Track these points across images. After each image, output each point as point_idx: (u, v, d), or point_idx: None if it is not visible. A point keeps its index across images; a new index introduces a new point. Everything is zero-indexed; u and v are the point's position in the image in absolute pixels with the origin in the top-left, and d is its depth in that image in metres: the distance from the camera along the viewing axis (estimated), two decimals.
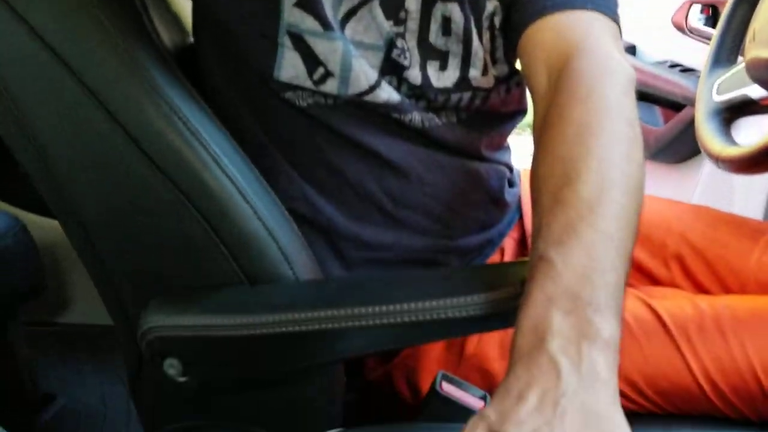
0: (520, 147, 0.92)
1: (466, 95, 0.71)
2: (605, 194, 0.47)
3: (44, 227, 1.40)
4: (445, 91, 0.70)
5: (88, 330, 1.52)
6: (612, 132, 0.52)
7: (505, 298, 0.53)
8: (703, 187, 1.47)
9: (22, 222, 1.18)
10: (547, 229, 0.47)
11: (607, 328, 0.40)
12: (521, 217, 0.86)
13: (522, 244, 0.84)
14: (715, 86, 0.90)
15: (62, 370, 1.41)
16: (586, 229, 0.45)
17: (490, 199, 0.78)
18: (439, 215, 0.74)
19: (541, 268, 0.44)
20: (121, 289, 0.65)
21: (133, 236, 0.62)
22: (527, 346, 0.40)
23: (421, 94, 0.69)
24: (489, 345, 0.71)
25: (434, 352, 0.73)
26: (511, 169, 0.84)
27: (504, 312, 0.52)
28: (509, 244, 0.83)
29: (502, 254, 0.83)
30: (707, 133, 0.85)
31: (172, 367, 0.60)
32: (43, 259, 1.28)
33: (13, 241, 1.12)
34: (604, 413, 0.36)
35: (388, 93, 0.67)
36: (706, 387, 0.63)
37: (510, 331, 0.70)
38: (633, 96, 0.56)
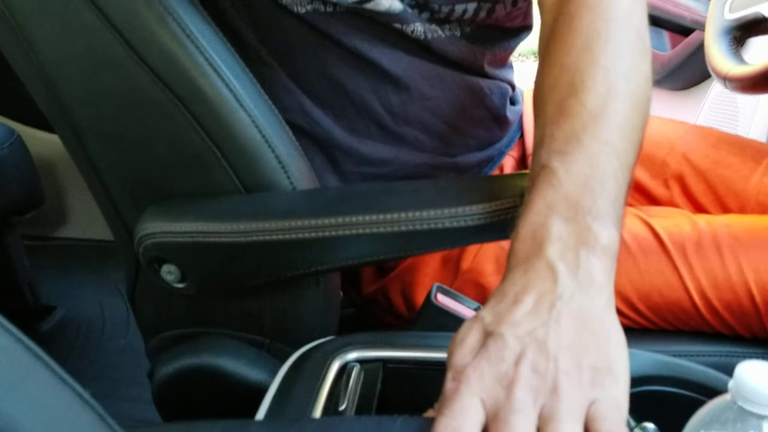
0: (522, 73, 0.90)
1: (471, 6, 0.69)
2: (610, 105, 0.47)
3: (42, 141, 1.39)
4: (449, 1, 0.67)
5: (86, 245, 1.53)
6: (620, 42, 0.50)
7: (503, 210, 0.52)
8: (707, 113, 1.46)
9: (18, 133, 1.17)
10: (551, 138, 0.46)
11: (606, 235, 0.40)
12: (522, 137, 0.85)
13: (522, 163, 0.84)
14: (728, 4, 0.87)
15: (61, 284, 1.43)
16: (590, 140, 0.45)
17: (491, 116, 0.77)
18: (439, 131, 0.73)
19: (543, 177, 0.44)
20: (118, 198, 0.65)
21: (126, 142, 0.61)
22: (525, 252, 0.40)
23: (424, 4, 0.67)
24: (485, 260, 0.71)
25: (430, 267, 0.73)
26: (513, 87, 0.82)
27: (501, 223, 0.52)
28: (509, 162, 0.83)
29: (501, 173, 0.82)
30: (716, 51, 0.83)
31: (170, 273, 0.60)
32: (41, 174, 1.27)
33: (8, 152, 1.11)
34: (598, 317, 0.37)
35: (389, 1, 0.65)
36: (700, 303, 0.63)
37: (506, 245, 0.71)
38: (644, 7, 0.54)
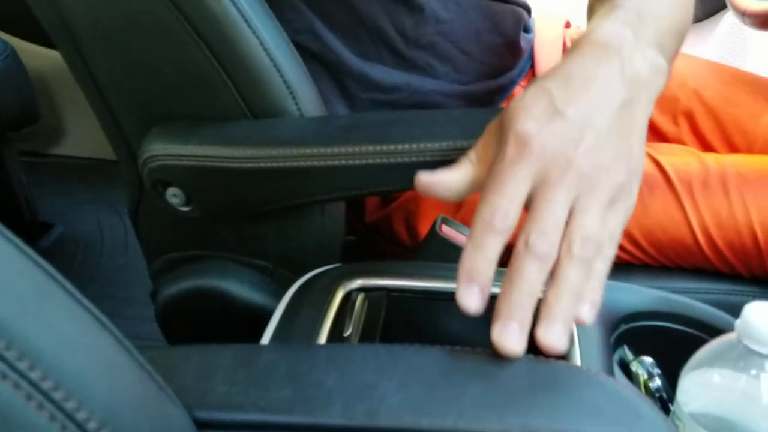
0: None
1: None
2: None
3: (38, 57, 1.36)
4: None
5: (83, 162, 1.52)
6: None
7: None
8: (716, 48, 1.43)
9: (12, 46, 1.14)
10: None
11: (659, 59, 0.45)
12: (532, 66, 0.83)
13: None
14: None
15: (59, 201, 1.43)
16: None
17: (504, 42, 0.75)
18: (452, 57, 0.72)
19: (604, 11, 0.47)
20: (121, 117, 0.64)
21: (130, 60, 0.59)
22: (588, 46, 0.43)
23: None
24: None
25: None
26: (529, 12, 0.80)
27: None
28: (520, 93, 0.81)
29: None
30: None
31: (175, 196, 0.60)
32: (37, 90, 1.25)
33: (3, 65, 1.08)
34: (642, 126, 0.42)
35: None
36: (703, 241, 0.64)
37: None
38: None
